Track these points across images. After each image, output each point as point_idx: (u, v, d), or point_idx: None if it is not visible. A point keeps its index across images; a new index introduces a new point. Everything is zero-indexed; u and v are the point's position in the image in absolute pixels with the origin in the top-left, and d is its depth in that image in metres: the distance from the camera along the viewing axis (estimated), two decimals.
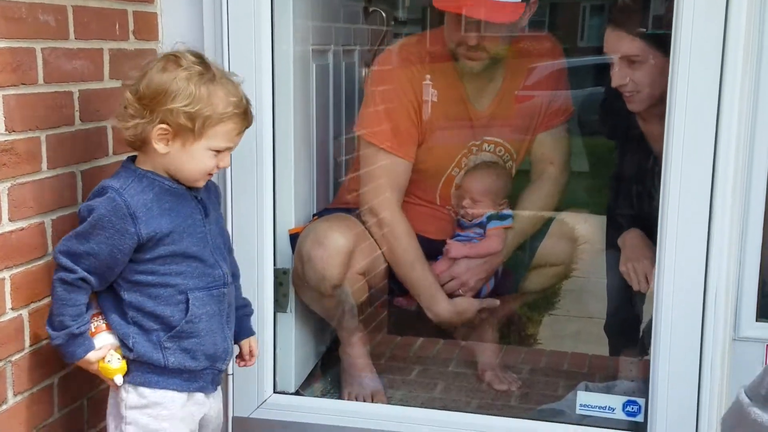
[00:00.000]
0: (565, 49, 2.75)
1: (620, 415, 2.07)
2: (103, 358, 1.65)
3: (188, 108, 1.60)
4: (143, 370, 1.67)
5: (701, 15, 1.80)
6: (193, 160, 1.65)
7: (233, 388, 2.18)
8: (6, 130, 1.63)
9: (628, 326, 2.69)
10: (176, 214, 1.68)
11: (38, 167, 1.73)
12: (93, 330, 1.66)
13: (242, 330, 1.88)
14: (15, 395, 1.69)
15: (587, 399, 2.12)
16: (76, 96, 1.83)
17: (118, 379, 1.65)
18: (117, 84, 1.96)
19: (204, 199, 1.75)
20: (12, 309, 1.68)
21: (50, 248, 1.77)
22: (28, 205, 1.70)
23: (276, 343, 2.26)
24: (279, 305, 2.29)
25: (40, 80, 1.72)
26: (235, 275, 1.85)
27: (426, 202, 2.60)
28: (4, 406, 1.67)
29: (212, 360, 1.74)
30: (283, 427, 2.17)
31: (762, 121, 1.90)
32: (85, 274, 1.61)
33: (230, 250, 1.87)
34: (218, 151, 1.66)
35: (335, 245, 2.31)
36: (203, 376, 1.74)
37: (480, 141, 2.56)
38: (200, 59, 1.67)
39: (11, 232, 1.66)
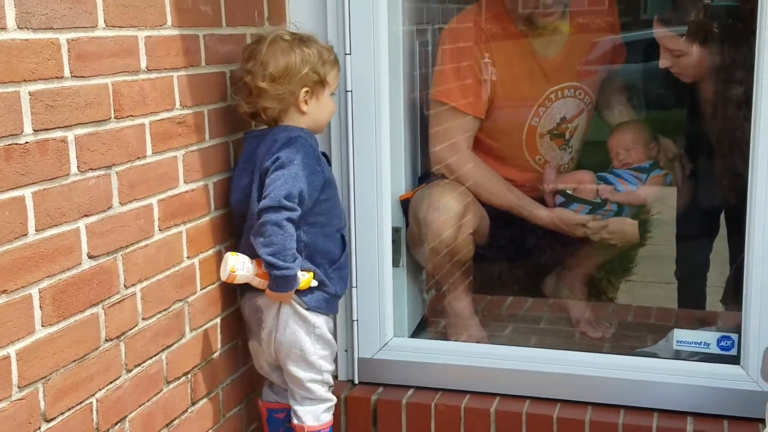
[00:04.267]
0: (627, 22, 2.94)
1: (715, 349, 2.28)
2: None
3: (314, 67, 2.01)
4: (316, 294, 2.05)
5: None
6: (325, 109, 2.08)
7: (358, 332, 2.45)
8: (180, 105, 1.92)
9: (697, 272, 2.91)
10: (323, 163, 2.05)
11: (203, 137, 2.02)
12: None
13: None
14: (191, 330, 1.99)
15: (683, 336, 2.33)
16: (227, 76, 2.11)
17: (314, 283, 2.02)
18: None
19: None
20: (188, 258, 1.97)
21: (213, 207, 2.06)
22: (196, 169, 1.99)
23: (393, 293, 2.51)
24: (393, 260, 2.53)
25: (203, 63, 2.01)
26: None
27: (514, 159, 2.79)
28: (183, 340, 1.97)
29: (347, 286, 2.18)
30: (403, 366, 2.43)
31: None
32: (300, 212, 1.91)
33: None
34: (332, 95, 2.10)
35: (450, 209, 2.57)
36: (339, 300, 2.16)
37: (559, 87, 2.75)
38: (287, 31, 2.08)
39: (186, 192, 1.95)
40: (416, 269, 2.78)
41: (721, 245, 2.92)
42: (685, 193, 2.83)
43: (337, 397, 2.38)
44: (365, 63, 2.32)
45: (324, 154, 2.16)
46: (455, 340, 2.74)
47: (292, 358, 2.06)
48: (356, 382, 2.46)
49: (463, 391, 2.38)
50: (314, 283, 2.01)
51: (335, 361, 2.19)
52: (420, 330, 2.81)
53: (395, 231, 2.53)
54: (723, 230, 2.92)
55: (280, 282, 1.92)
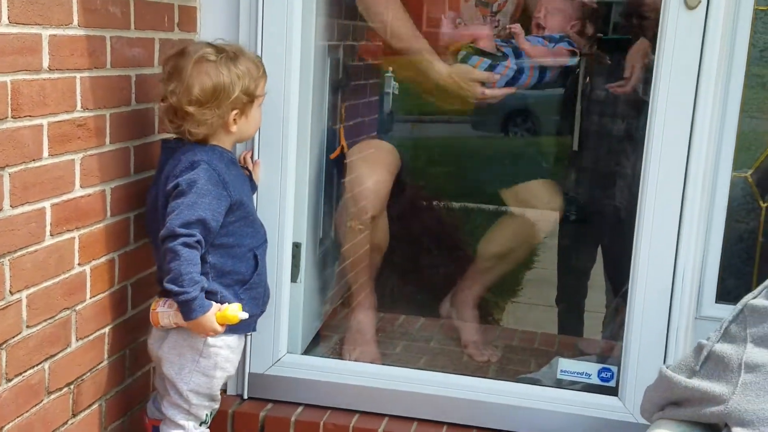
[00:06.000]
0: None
1: (595, 380, 2.37)
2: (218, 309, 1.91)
3: (245, 87, 1.93)
4: None
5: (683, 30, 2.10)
6: (253, 122, 2.02)
7: (251, 347, 2.42)
8: (81, 107, 1.86)
9: (575, 299, 3.05)
10: (240, 180, 2.02)
11: (103, 141, 1.96)
12: None
13: None
14: (77, 340, 1.93)
15: (567, 365, 2.42)
16: (133, 80, 2.06)
17: (244, 315, 1.92)
18: None
19: None
20: (79, 264, 1.91)
21: (109, 214, 2.00)
22: (94, 174, 1.93)
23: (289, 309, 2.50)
24: (291, 276, 2.52)
25: (108, 65, 1.95)
26: None
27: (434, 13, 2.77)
28: (68, 350, 1.90)
29: (264, 304, 2.11)
30: (295, 383, 2.42)
31: (728, 131, 2.20)
32: (201, 237, 1.85)
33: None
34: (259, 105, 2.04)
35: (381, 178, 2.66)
36: (257, 318, 2.11)
37: None
38: (214, 47, 1.95)
39: (81, 197, 1.89)
40: (312, 286, 2.78)
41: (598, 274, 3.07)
42: (567, 221, 2.94)
43: (225, 412, 2.36)
44: (276, 75, 2.28)
45: (247, 168, 2.18)
46: (349, 357, 2.75)
47: (167, 377, 2.01)
48: (245, 397, 2.43)
49: (353, 411, 2.39)
50: (243, 315, 1.92)
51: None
52: (314, 346, 2.80)
53: (295, 246, 2.53)
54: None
55: (183, 308, 1.87)
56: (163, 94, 1.92)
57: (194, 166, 1.88)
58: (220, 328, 1.90)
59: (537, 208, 2.88)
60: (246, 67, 1.95)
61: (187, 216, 1.84)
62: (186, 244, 1.83)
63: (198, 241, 1.85)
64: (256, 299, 2.05)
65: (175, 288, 1.83)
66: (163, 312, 1.94)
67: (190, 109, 1.88)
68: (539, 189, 2.87)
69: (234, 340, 2.02)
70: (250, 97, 1.96)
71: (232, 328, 1.96)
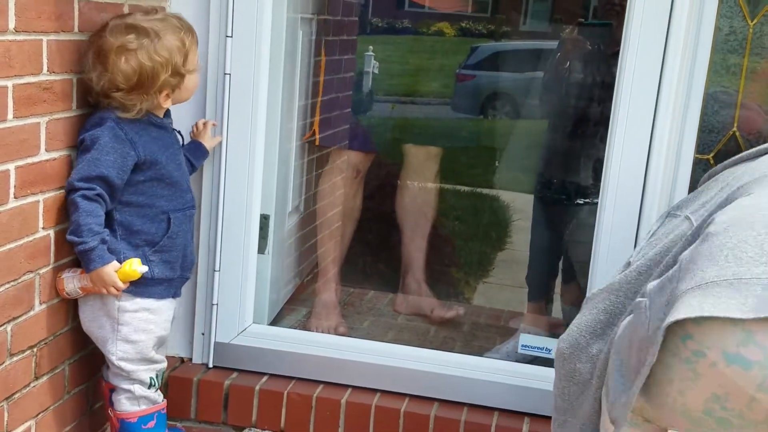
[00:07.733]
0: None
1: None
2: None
3: (173, 68, 1.92)
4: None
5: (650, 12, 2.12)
6: (187, 90, 2.03)
7: (217, 316, 2.44)
8: (48, 70, 1.85)
9: (546, 277, 3.09)
10: (162, 143, 2.01)
11: (70, 106, 1.95)
12: None
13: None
14: (41, 303, 1.93)
15: (528, 340, 2.46)
16: None
17: (143, 269, 1.93)
18: None
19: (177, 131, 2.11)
20: (43, 228, 1.91)
21: None
22: (59, 138, 1.93)
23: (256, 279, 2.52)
24: (259, 247, 2.54)
25: (76, 29, 1.94)
26: None
27: None
28: (31, 313, 1.91)
29: (184, 270, 2.10)
30: (260, 353, 2.44)
31: (692, 113, 2.23)
32: (102, 191, 1.88)
33: None
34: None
35: None
36: (177, 283, 2.10)
37: None
38: (135, 28, 1.91)
39: (47, 161, 1.89)
40: (280, 258, 2.79)
41: None
42: (541, 202, 2.98)
43: (189, 380, 2.38)
44: (246, 47, 2.31)
45: (179, 132, 2.16)
46: (316, 328, 2.78)
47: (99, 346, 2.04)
48: (210, 366, 2.45)
49: (317, 381, 2.42)
50: (143, 269, 1.93)
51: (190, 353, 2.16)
52: (281, 317, 2.83)
53: (264, 218, 2.54)
54: None
55: (83, 259, 1.89)
56: (86, 81, 1.92)
57: (102, 123, 1.91)
58: (121, 284, 1.90)
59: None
60: (172, 45, 1.92)
61: (88, 171, 1.87)
62: (85, 197, 1.86)
63: (98, 194, 1.87)
64: (170, 263, 2.04)
65: (75, 239, 1.86)
66: (68, 277, 1.95)
67: (117, 95, 1.90)
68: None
69: (152, 303, 2.02)
70: (181, 75, 1.95)
71: (147, 292, 1.99)
